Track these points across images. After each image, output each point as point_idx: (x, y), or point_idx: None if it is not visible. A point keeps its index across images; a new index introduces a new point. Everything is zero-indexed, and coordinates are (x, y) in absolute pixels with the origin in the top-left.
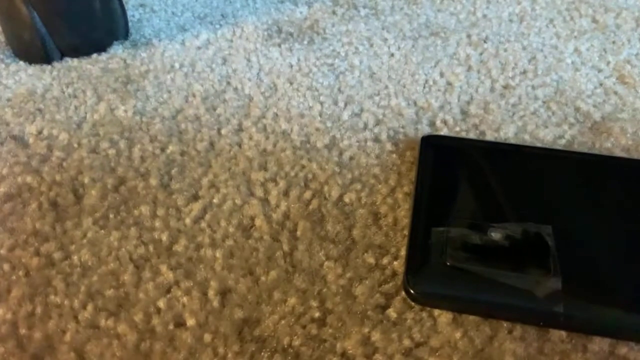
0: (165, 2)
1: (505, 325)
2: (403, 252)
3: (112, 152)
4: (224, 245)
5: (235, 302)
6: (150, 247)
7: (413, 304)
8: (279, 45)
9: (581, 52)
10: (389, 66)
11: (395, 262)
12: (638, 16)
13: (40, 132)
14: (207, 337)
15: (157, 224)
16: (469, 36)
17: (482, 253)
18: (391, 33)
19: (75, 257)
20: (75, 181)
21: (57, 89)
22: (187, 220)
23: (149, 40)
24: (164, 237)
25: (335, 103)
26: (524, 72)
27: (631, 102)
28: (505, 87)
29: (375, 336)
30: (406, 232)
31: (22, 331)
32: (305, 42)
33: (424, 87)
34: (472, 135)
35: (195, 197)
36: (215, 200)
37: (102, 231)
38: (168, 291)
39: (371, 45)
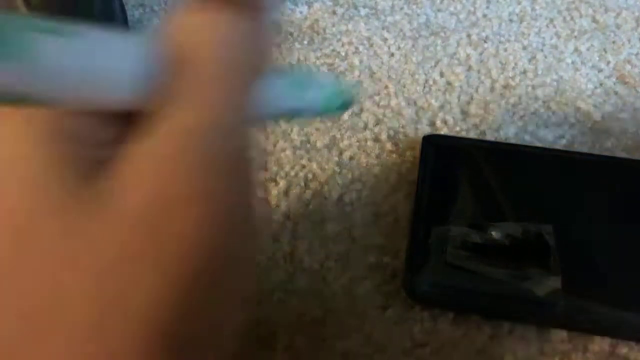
0: (165, 1)
1: (505, 325)
2: (403, 252)
3: None
4: None
5: None
6: None
7: (413, 303)
8: (279, 45)
9: (581, 52)
10: (389, 66)
11: (395, 262)
12: (638, 16)
13: None
14: None
15: None
16: (469, 36)
17: (483, 252)
18: (391, 33)
19: None
20: None
21: None
22: None
23: None
24: None
25: None
26: (524, 72)
27: (631, 102)
28: (506, 87)
29: (376, 336)
30: (407, 231)
31: None
32: (305, 42)
33: (424, 87)
34: (472, 135)
35: None
36: None
37: None
38: None
39: (371, 45)
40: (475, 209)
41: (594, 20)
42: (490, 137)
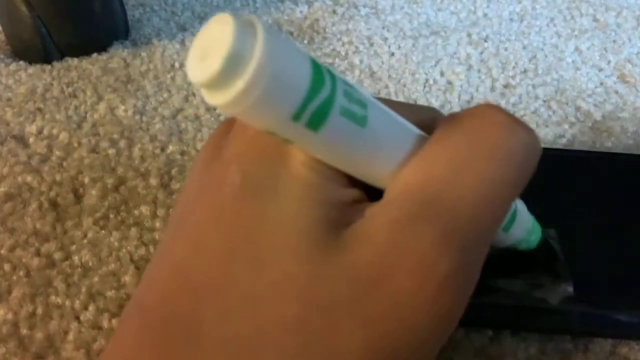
0: (165, 1)
1: None
2: None
3: (112, 151)
4: None
5: None
6: (151, 248)
7: None
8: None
9: (582, 51)
10: (389, 65)
11: None
12: (639, 15)
13: (40, 132)
14: None
15: (158, 224)
16: (469, 35)
17: (493, 263)
18: (391, 32)
19: (75, 258)
20: (75, 181)
21: (57, 89)
22: None
23: (149, 39)
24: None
25: None
26: (525, 72)
27: (632, 102)
28: (506, 86)
29: None
30: None
31: (24, 331)
32: (305, 42)
33: (425, 87)
34: None
35: None
36: None
37: (103, 231)
38: None
39: (371, 45)
40: None
41: (595, 20)
42: None
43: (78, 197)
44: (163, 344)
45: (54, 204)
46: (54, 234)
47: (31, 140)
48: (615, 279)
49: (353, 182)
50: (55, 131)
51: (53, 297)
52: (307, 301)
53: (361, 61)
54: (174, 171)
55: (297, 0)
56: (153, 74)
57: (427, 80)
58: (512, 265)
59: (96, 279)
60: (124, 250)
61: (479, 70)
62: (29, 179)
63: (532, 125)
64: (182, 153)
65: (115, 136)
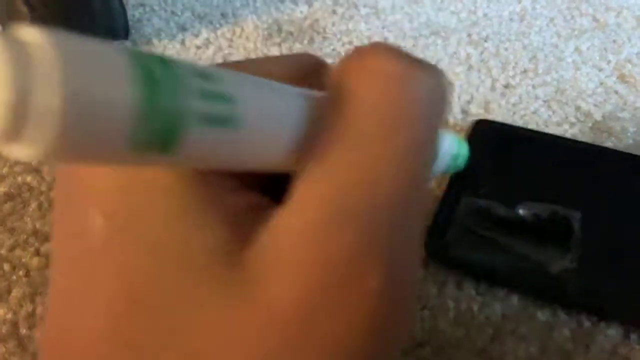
0: (165, 1)
1: (507, 325)
2: None
3: None
4: None
5: None
6: None
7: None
8: (279, 45)
9: (582, 51)
10: None
11: None
12: (639, 15)
13: None
14: None
15: None
16: (469, 35)
17: (505, 224)
18: (392, 32)
19: None
20: None
21: None
22: None
23: (149, 39)
24: None
25: None
26: (525, 71)
27: (632, 102)
28: (506, 86)
29: None
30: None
31: (23, 331)
32: (306, 42)
33: None
34: None
35: None
36: None
37: None
38: None
39: None
40: (510, 188)
41: (595, 20)
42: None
43: None
44: None
45: (54, 204)
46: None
47: None
48: (625, 267)
49: (244, 178)
50: None
51: None
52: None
53: None
54: None
55: (297, 0)
56: None
57: None
58: (526, 231)
59: None
60: None
61: (479, 70)
62: (29, 179)
63: (532, 126)
64: None
65: None
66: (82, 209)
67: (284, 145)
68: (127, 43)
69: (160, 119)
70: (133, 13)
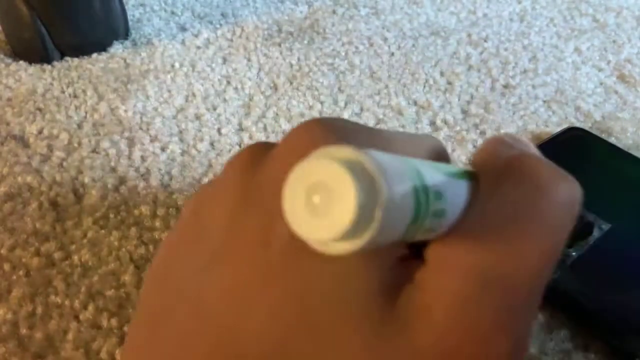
0: (165, 1)
1: None
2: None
3: (112, 151)
4: None
5: None
6: (151, 247)
7: None
8: (279, 45)
9: (582, 51)
10: (389, 65)
11: None
12: (638, 15)
13: (40, 132)
14: None
15: (158, 224)
16: (469, 35)
17: None
18: (391, 32)
19: (75, 257)
20: (75, 181)
21: (57, 89)
22: None
23: (149, 39)
24: (165, 237)
25: (336, 102)
26: (525, 72)
27: (632, 102)
28: (506, 86)
29: None
30: None
31: (23, 331)
32: (306, 42)
33: (424, 87)
34: (472, 134)
35: None
36: None
37: (103, 231)
38: None
39: (371, 45)
40: None
41: (595, 20)
42: (490, 136)
43: (78, 197)
44: None
45: (54, 204)
46: (53, 234)
47: (31, 140)
48: (627, 282)
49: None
50: (55, 131)
51: (53, 297)
52: None
53: (361, 61)
54: (174, 171)
55: (297, 0)
56: (153, 74)
57: (427, 80)
58: None
59: (96, 278)
60: (124, 249)
61: (479, 70)
62: (29, 179)
63: (532, 126)
64: (183, 153)
65: (116, 136)
66: (268, 217)
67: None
68: (127, 43)
69: (418, 221)
70: (133, 13)
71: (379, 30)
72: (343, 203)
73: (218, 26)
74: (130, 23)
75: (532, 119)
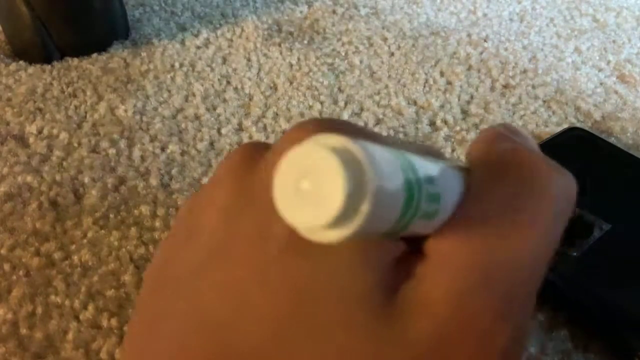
0: (165, 1)
1: None
2: None
3: (112, 151)
4: None
5: None
6: (151, 247)
7: None
8: (279, 45)
9: (582, 51)
10: (389, 65)
11: None
12: (638, 15)
13: (40, 132)
14: None
15: (158, 224)
16: (469, 35)
17: None
18: (391, 32)
19: (75, 257)
20: (75, 181)
21: (57, 89)
22: None
23: (149, 39)
24: (165, 237)
25: (335, 102)
26: (525, 72)
27: (632, 102)
28: (506, 86)
29: None
30: None
31: (23, 331)
32: (305, 42)
33: (424, 87)
34: (472, 134)
35: None
36: None
37: (103, 231)
38: None
39: (371, 45)
40: None
41: (595, 20)
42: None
43: (78, 197)
44: None
45: (54, 204)
46: (53, 234)
47: (31, 140)
48: (628, 282)
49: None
50: (55, 131)
51: (53, 297)
52: None
53: (361, 61)
54: (174, 171)
55: (297, 0)
56: (153, 74)
57: (427, 80)
58: None
59: (96, 278)
60: (124, 249)
61: (478, 70)
62: (29, 179)
63: (532, 126)
64: (182, 153)
65: (115, 136)
66: (265, 216)
67: (444, 215)
68: (127, 43)
69: (410, 211)
70: (133, 13)
71: (379, 30)
72: (331, 190)
73: (218, 26)
74: (130, 23)
75: (532, 119)
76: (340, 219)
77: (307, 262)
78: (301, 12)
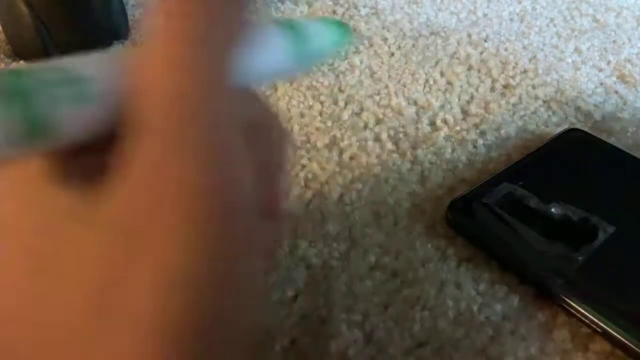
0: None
1: (507, 325)
2: (403, 252)
3: None
4: None
5: None
6: None
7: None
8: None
9: (582, 51)
10: (389, 65)
11: (395, 262)
12: (638, 15)
13: None
14: None
15: None
16: (469, 35)
17: (529, 214)
18: (391, 32)
19: None
20: None
21: None
22: None
23: None
24: None
25: (336, 102)
26: (525, 72)
27: (632, 102)
28: (506, 86)
29: (377, 335)
30: (406, 232)
31: None
32: None
33: (424, 87)
34: (472, 134)
35: None
36: None
37: None
38: None
39: (371, 45)
40: (557, 189)
41: (595, 20)
42: (490, 136)
43: None
44: None
45: None
46: None
47: None
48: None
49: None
50: None
51: None
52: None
53: (361, 61)
54: None
55: (297, 0)
56: None
57: (427, 80)
58: (547, 224)
59: None
60: None
61: (478, 70)
62: None
63: (532, 126)
64: None
65: None
66: None
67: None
68: (127, 43)
69: (29, 114)
70: (133, 13)
71: (379, 30)
72: None
73: None
74: (130, 23)
75: (532, 119)
76: None
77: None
78: (301, 12)
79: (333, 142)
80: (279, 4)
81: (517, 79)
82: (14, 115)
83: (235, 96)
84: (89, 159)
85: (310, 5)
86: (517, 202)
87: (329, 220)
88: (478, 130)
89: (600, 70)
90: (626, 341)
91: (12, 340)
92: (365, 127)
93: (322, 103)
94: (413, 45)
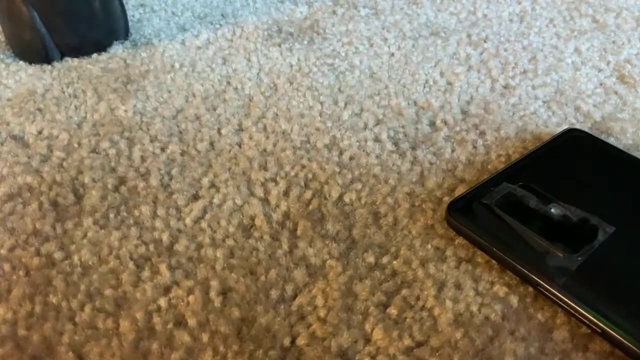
0: (165, 2)
1: (507, 325)
2: (403, 252)
3: (112, 152)
4: (224, 245)
5: (236, 302)
6: (151, 247)
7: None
8: (279, 45)
9: (581, 51)
10: (389, 66)
11: (395, 262)
12: (638, 16)
13: (40, 132)
14: (205, 337)
15: (158, 223)
16: (469, 36)
17: (529, 214)
18: (391, 33)
19: (75, 257)
20: (75, 181)
21: (57, 89)
22: (188, 220)
23: (149, 40)
24: (165, 237)
25: (336, 103)
26: (524, 72)
27: (631, 102)
28: (506, 86)
29: (376, 335)
30: (406, 232)
31: (21, 332)
32: (306, 42)
33: (424, 87)
34: (472, 134)
35: (196, 197)
36: (215, 200)
37: (103, 231)
38: (168, 291)
39: (371, 45)
40: (557, 189)
41: (594, 20)
42: (490, 136)
43: (78, 197)
44: None
45: (54, 204)
46: (54, 234)
47: (31, 140)
48: (630, 289)
49: None
50: (55, 131)
51: (52, 297)
52: None
53: (361, 62)
54: (174, 171)
55: (297, 1)
56: (153, 74)
57: (427, 80)
58: (546, 224)
59: (95, 277)
60: (124, 249)
61: (478, 71)
62: (29, 179)
63: (532, 126)
64: (182, 153)
65: (116, 136)
66: None
67: None
68: (127, 43)
69: None
70: (133, 13)
71: (379, 31)
72: None
73: (218, 26)
74: (130, 23)
75: (531, 119)
76: None
77: None
78: (301, 12)
79: (333, 143)
80: (279, 4)
81: (517, 79)
82: None
83: None
84: None
85: (310, 5)
86: (516, 202)
87: (329, 220)
88: (478, 131)
89: (600, 70)
90: (626, 341)
91: None
92: (365, 127)
93: (322, 103)
94: (413, 46)
